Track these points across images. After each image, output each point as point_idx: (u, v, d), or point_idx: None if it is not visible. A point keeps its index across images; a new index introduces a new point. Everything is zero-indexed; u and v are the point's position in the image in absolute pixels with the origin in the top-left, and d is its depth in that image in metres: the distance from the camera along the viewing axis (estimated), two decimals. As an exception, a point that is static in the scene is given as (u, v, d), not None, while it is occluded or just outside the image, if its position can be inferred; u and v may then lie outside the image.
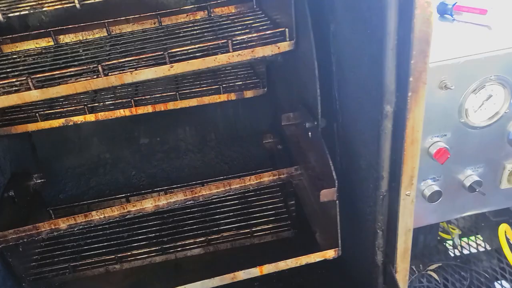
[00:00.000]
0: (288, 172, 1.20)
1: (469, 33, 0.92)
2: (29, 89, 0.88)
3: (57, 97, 0.84)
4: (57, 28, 1.15)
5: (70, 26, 1.15)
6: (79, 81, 0.90)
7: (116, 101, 1.36)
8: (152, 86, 1.46)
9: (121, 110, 1.37)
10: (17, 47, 1.15)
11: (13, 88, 0.91)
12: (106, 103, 1.37)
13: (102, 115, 1.36)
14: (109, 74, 0.91)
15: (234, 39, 0.95)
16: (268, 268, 0.93)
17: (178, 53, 0.96)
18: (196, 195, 1.19)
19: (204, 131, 1.81)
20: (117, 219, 1.16)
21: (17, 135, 1.42)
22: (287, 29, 0.95)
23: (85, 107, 1.33)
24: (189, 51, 0.97)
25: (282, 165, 1.37)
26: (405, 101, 0.67)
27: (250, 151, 1.79)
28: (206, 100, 1.41)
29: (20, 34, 1.13)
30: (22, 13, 0.82)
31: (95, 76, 0.92)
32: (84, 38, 1.17)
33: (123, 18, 1.17)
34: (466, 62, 0.82)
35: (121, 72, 0.91)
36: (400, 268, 0.86)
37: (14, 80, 0.89)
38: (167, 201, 1.18)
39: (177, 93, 1.38)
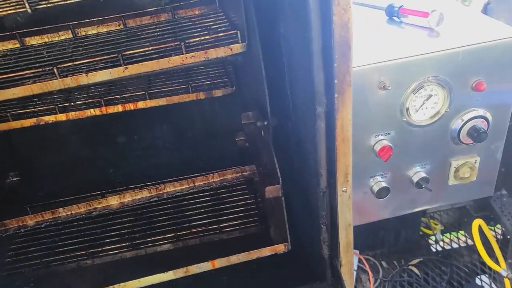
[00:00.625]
0: (250, 169, 1.24)
1: (411, 35, 0.95)
2: (-14, 90, 0.92)
3: (30, 97, 0.87)
4: (23, 31, 1.18)
5: (35, 29, 1.18)
6: (36, 83, 0.94)
7: (87, 101, 1.40)
8: (125, 86, 1.49)
9: (92, 110, 1.40)
10: (-17, 49, 1.18)
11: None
12: (78, 102, 1.40)
13: (73, 115, 1.39)
14: (67, 75, 0.95)
15: (188, 41, 0.99)
16: (220, 262, 0.96)
17: (136, 54, 1.00)
18: (161, 192, 1.23)
19: (181, 129, 1.85)
20: (84, 216, 1.19)
21: None
22: (239, 32, 0.98)
23: (56, 107, 1.36)
24: (146, 52, 1.00)
25: (249, 163, 1.41)
26: (333, 103, 0.70)
27: (226, 148, 1.82)
28: (176, 99, 1.44)
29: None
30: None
31: (54, 78, 0.95)
32: (50, 40, 1.20)
33: (88, 20, 1.20)
34: (403, 63, 0.85)
35: (77, 73, 0.95)
36: (344, 261, 0.90)
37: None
38: (132, 198, 1.22)
39: (147, 93, 1.41)
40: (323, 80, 0.71)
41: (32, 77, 0.96)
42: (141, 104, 1.43)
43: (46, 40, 1.20)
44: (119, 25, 1.23)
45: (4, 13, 0.86)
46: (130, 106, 1.43)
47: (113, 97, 1.42)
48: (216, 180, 1.22)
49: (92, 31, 1.22)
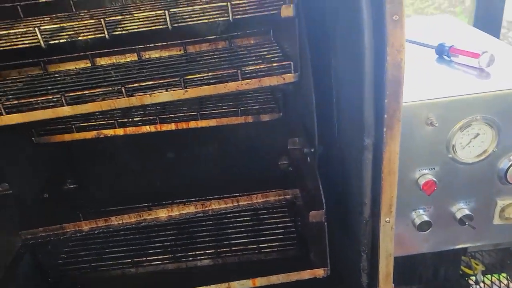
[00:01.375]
0: (293, 193, 1.28)
1: (460, 74, 0.97)
2: (62, 105, 1.02)
3: (92, 112, 0.96)
4: (94, 52, 1.29)
5: (106, 51, 1.29)
6: (105, 100, 1.03)
7: (144, 118, 1.49)
8: (179, 106, 1.58)
9: (147, 126, 1.50)
10: (60, 67, 1.31)
11: (50, 104, 1.05)
12: (135, 119, 1.50)
13: (130, 130, 1.49)
14: (133, 95, 1.04)
15: (244, 69, 1.05)
16: (261, 281, 1.00)
17: (195, 79, 1.07)
18: (206, 208, 1.29)
19: (227, 150, 1.92)
20: (133, 225, 1.27)
21: (57, 144, 1.58)
22: (292, 62, 1.04)
23: (116, 122, 1.47)
24: (205, 77, 1.07)
25: (292, 187, 1.45)
26: (382, 136, 0.74)
27: (268, 171, 1.87)
28: (225, 121, 1.52)
29: (61, 56, 1.29)
30: (61, 41, 0.96)
31: (121, 97, 1.04)
32: (117, 61, 1.31)
33: (152, 45, 1.30)
34: (451, 101, 0.87)
35: (142, 94, 1.04)
36: (382, 291, 0.91)
37: (51, 97, 1.03)
38: (179, 212, 1.29)
39: (199, 114, 1.50)
40: (373, 114, 0.75)
41: (101, 94, 1.05)
42: (192, 124, 1.52)
43: (114, 61, 1.31)
44: (180, 50, 1.33)
45: (85, 37, 0.96)
46: (183, 125, 1.52)
47: (167, 116, 1.51)
48: (260, 200, 1.27)
49: (155, 54, 1.32)
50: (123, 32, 0.98)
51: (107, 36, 0.96)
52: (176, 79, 1.04)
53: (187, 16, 1.01)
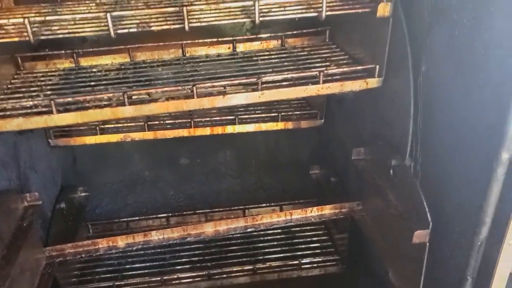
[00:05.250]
0: (350, 206, 1.19)
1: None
2: (123, 104, 0.88)
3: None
4: (134, 46, 1.15)
5: (149, 45, 1.15)
6: (171, 100, 0.90)
7: (176, 121, 1.36)
8: (208, 109, 1.45)
9: (180, 130, 1.36)
10: (94, 60, 1.15)
11: (103, 102, 0.91)
12: (165, 122, 1.36)
13: (160, 134, 1.35)
14: (204, 96, 0.91)
15: (326, 71, 0.96)
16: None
17: (270, 80, 0.96)
18: (257, 222, 1.17)
19: (244, 157, 1.81)
20: (176, 241, 1.14)
21: (63, 148, 1.41)
22: (377, 66, 0.96)
23: (145, 124, 1.32)
24: (276, 78, 0.97)
25: (333, 198, 1.37)
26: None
27: (290, 179, 1.78)
28: (264, 127, 1.41)
29: (96, 49, 1.13)
30: (130, 30, 0.82)
31: (190, 97, 0.91)
32: (160, 57, 1.17)
33: (201, 41, 1.18)
34: None
35: (213, 95, 0.92)
36: (487, 316, 0.84)
37: (112, 95, 0.89)
38: (227, 227, 1.16)
39: (237, 118, 1.38)
40: (517, 127, 0.68)
41: (165, 94, 0.92)
42: (229, 129, 1.40)
43: (157, 57, 1.17)
44: (228, 48, 1.21)
45: (158, 28, 0.83)
46: (218, 130, 1.40)
47: (200, 120, 1.38)
48: (314, 214, 1.18)
49: (201, 51, 1.20)
50: (202, 23, 0.86)
51: (187, 27, 0.83)
52: (253, 79, 0.92)
53: (266, 10, 0.90)
